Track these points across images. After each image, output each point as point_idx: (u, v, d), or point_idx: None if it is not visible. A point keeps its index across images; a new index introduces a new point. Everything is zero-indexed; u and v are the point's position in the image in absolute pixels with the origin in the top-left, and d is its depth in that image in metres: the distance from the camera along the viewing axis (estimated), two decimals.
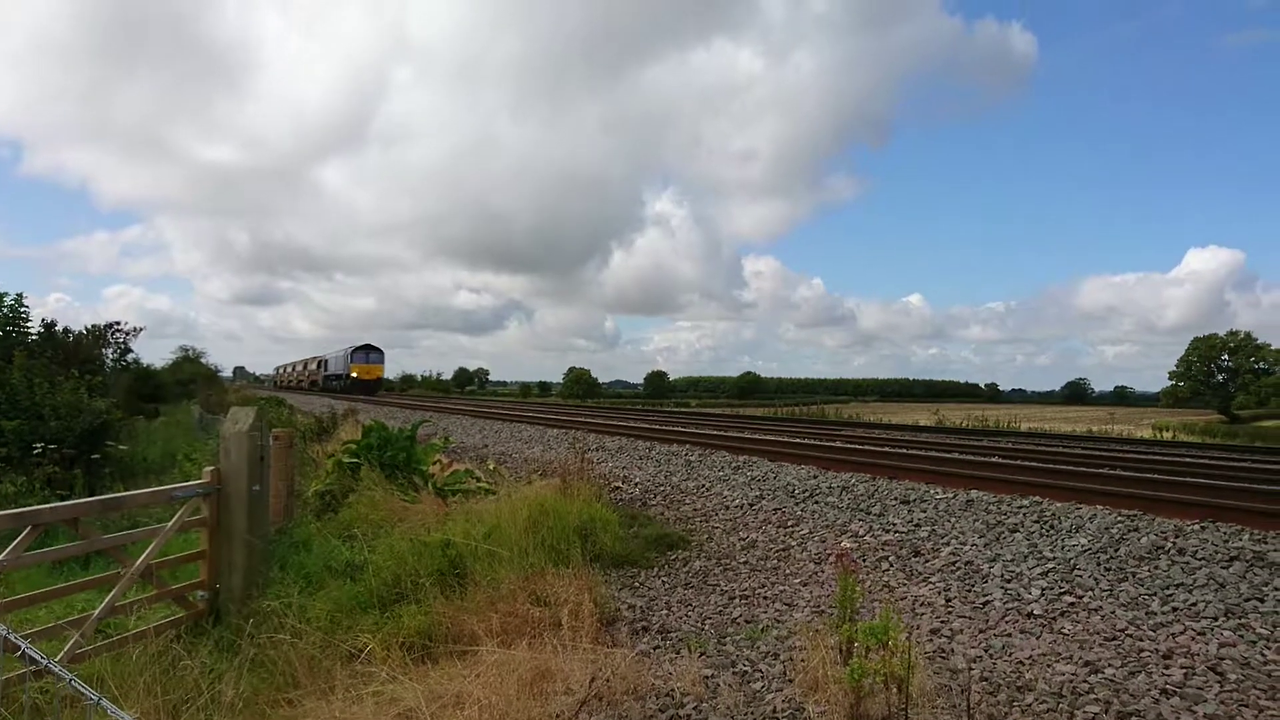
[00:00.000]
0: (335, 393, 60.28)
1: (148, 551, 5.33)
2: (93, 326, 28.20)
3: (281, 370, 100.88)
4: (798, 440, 15.04)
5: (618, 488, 11.26)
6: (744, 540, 8.21)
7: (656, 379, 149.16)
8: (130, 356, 30.68)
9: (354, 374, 60.82)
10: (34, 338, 19.25)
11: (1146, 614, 5.32)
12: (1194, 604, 5.37)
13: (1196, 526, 6.81)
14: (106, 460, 13.24)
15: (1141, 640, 4.95)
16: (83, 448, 12.76)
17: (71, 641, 4.59)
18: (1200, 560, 6.05)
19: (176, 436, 19.06)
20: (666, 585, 7.01)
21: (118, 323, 30.26)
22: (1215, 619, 5.13)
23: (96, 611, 4.89)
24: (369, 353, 63.32)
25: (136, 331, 30.88)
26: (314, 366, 76.82)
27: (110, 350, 29.23)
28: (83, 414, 13.31)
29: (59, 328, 23.13)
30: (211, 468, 6.02)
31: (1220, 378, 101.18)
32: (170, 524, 5.58)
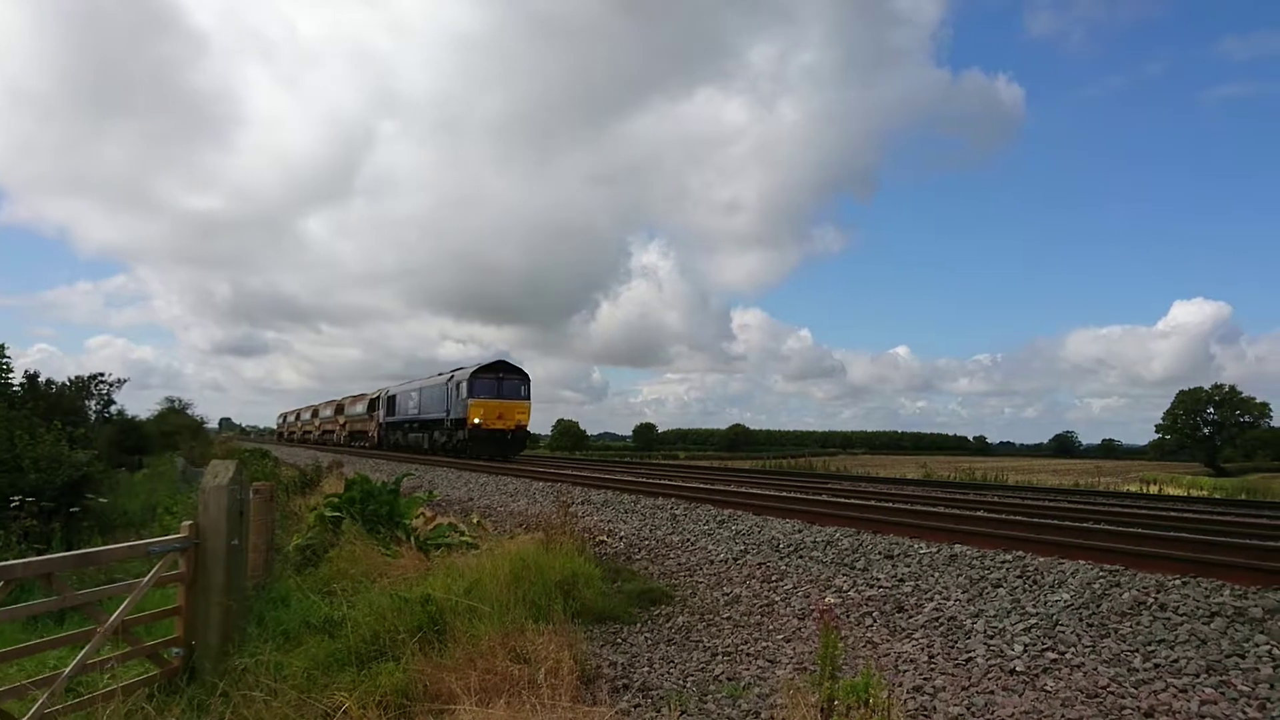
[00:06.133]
0: (421, 453, 35.42)
1: (122, 607, 5.26)
2: (76, 378, 28.26)
3: (290, 418, 78.83)
4: (784, 494, 14.99)
5: (602, 541, 11.19)
6: (728, 595, 8.16)
7: (645, 431, 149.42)
8: (114, 408, 30.64)
9: (476, 420, 30.12)
10: (16, 389, 19.17)
11: (1128, 671, 5.30)
12: (1176, 660, 5.35)
13: (1178, 582, 6.80)
14: (86, 513, 13.12)
15: (1124, 698, 4.93)
16: (62, 500, 12.65)
17: (40, 702, 4.51)
18: (1182, 616, 6.03)
19: (159, 489, 18.93)
20: (649, 641, 6.94)
21: (101, 374, 30.31)
22: (1197, 676, 5.12)
23: (67, 670, 4.82)
24: (501, 378, 31.26)
25: (120, 383, 30.93)
26: (361, 409, 49.74)
27: (94, 401, 29.19)
28: (63, 466, 13.23)
29: (42, 379, 23.10)
30: (190, 522, 5.98)
31: (1206, 431, 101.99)
32: (146, 579, 5.52)
